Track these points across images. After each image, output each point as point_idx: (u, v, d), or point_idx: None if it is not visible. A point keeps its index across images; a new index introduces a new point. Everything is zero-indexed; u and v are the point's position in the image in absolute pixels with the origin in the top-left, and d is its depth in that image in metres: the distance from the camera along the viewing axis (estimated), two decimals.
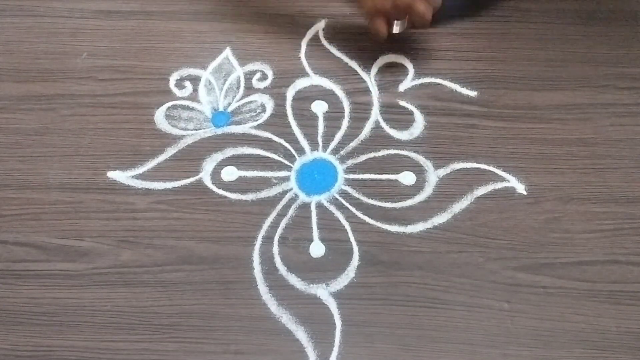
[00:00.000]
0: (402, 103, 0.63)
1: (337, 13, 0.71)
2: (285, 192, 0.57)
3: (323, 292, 0.52)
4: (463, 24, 0.70)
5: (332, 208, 0.56)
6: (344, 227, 0.55)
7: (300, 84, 0.65)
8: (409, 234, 0.55)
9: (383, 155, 0.60)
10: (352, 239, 0.55)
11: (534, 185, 0.57)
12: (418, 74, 0.66)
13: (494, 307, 0.51)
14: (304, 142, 0.61)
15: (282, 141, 0.61)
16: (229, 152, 0.60)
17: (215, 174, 0.59)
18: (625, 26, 0.69)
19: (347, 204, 0.57)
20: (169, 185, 0.58)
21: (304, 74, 0.66)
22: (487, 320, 0.50)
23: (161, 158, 0.60)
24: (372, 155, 0.60)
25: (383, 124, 0.62)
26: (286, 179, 0.58)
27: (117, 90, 0.65)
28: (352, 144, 0.61)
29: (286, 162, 0.59)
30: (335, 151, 0.60)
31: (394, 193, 0.57)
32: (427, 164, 0.59)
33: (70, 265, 0.53)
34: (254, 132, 0.62)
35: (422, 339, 0.49)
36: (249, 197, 0.57)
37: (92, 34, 0.70)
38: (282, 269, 0.53)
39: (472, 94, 0.64)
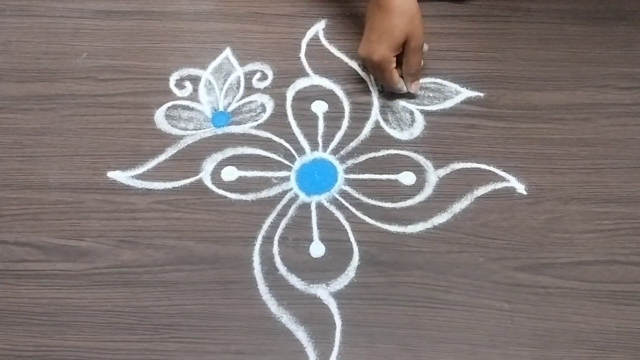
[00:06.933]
0: (402, 103, 0.63)
1: (337, 13, 0.71)
2: (285, 192, 0.57)
3: (323, 292, 0.52)
4: (463, 24, 0.70)
5: (332, 208, 0.56)
6: (344, 227, 0.55)
7: (300, 84, 0.65)
8: (409, 234, 0.55)
9: (383, 155, 0.60)
10: (352, 239, 0.55)
11: (534, 185, 0.57)
12: None
13: (494, 307, 0.51)
14: (304, 142, 0.61)
15: (282, 141, 0.61)
16: (229, 152, 0.60)
17: (215, 174, 0.59)
18: (625, 26, 0.69)
19: (347, 204, 0.57)
20: (169, 185, 0.58)
21: (304, 74, 0.66)
22: (487, 320, 0.50)
23: (161, 158, 0.60)
24: (372, 155, 0.60)
25: (383, 124, 0.62)
26: (286, 179, 0.58)
27: (117, 90, 0.65)
28: (352, 144, 0.60)
29: (286, 162, 0.59)
30: (335, 151, 0.60)
31: (394, 193, 0.57)
32: (427, 164, 0.59)
33: (70, 265, 0.53)
34: (254, 132, 0.62)
35: (422, 339, 0.49)
36: (249, 197, 0.57)
37: (92, 34, 0.70)
38: (282, 269, 0.53)
39: (472, 94, 0.64)
